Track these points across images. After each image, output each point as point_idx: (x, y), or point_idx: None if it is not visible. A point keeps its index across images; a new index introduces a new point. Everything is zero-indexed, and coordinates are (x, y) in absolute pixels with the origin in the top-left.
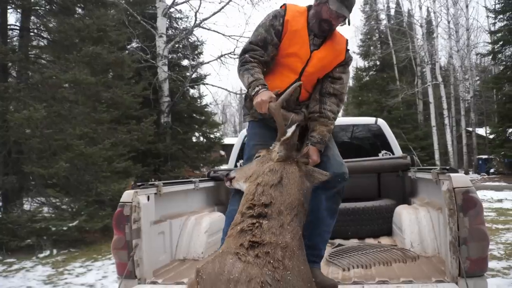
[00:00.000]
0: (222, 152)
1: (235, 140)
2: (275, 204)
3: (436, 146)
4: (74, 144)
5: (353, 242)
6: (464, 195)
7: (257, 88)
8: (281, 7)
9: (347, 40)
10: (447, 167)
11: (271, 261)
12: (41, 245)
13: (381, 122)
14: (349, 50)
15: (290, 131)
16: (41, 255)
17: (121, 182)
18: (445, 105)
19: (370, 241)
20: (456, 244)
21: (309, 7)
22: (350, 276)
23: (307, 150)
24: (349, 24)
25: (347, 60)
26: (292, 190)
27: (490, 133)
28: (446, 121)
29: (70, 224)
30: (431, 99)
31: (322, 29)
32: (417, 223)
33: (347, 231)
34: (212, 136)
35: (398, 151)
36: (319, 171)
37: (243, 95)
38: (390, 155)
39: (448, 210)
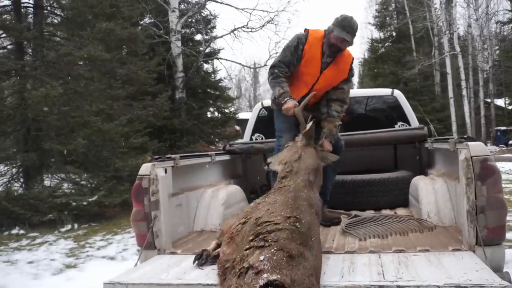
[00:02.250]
0: (237, 127)
1: (250, 115)
2: (292, 171)
3: (453, 118)
4: (91, 121)
5: (369, 213)
6: (482, 164)
7: (286, 99)
8: (304, 30)
9: (353, 59)
10: (465, 136)
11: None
12: (63, 219)
13: (398, 93)
14: (352, 68)
15: (308, 125)
16: (62, 229)
17: (138, 157)
18: (463, 76)
19: (386, 212)
20: (473, 213)
21: (324, 34)
22: (366, 246)
23: (322, 142)
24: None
25: (349, 77)
26: (308, 160)
27: (509, 104)
28: (464, 92)
29: (90, 199)
30: (448, 70)
31: (332, 51)
32: (434, 194)
33: (364, 202)
34: (226, 111)
35: (414, 122)
36: (331, 154)
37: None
38: (406, 126)
39: (466, 179)
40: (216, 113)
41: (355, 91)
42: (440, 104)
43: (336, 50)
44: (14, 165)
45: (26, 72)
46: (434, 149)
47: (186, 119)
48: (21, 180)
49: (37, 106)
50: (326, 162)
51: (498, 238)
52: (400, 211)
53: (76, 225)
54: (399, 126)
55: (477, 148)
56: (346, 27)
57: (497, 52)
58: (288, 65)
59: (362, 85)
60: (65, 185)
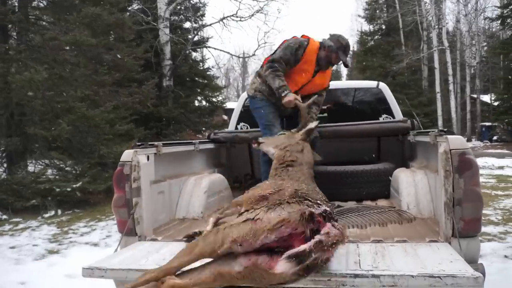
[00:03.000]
0: (225, 117)
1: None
2: (297, 161)
3: (439, 112)
4: (76, 107)
5: (351, 204)
6: (460, 157)
7: (286, 92)
8: (302, 36)
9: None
10: (445, 129)
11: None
12: (46, 205)
13: (383, 86)
14: (331, 75)
15: (312, 124)
16: (46, 215)
17: (124, 144)
18: (450, 71)
19: (367, 203)
20: (450, 204)
21: (320, 46)
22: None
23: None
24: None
25: (328, 86)
26: (308, 156)
27: (495, 100)
28: (451, 87)
29: (74, 186)
30: (436, 64)
31: (325, 64)
32: (414, 186)
33: (346, 193)
34: (214, 100)
35: (399, 115)
36: (314, 154)
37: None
38: (390, 119)
39: (444, 171)
40: (203, 102)
41: (341, 83)
42: (427, 98)
43: (329, 64)
44: None
45: (10, 56)
46: (416, 142)
47: (173, 107)
48: (4, 165)
49: (21, 91)
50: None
51: (473, 230)
52: (381, 203)
53: (59, 211)
54: (383, 119)
55: (456, 141)
56: (346, 51)
57: (485, 48)
58: (287, 63)
59: (350, 77)
60: (49, 171)
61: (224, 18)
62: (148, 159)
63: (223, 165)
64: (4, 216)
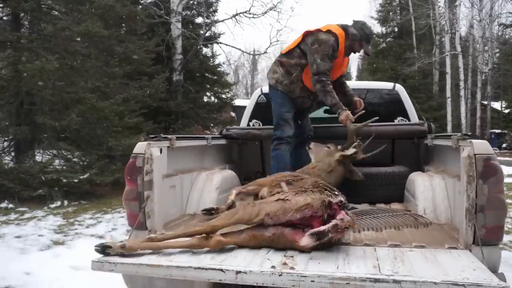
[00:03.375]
0: (233, 114)
1: (246, 102)
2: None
3: (449, 117)
4: (86, 98)
5: (365, 206)
6: (485, 162)
7: (339, 110)
8: (327, 31)
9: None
10: (469, 133)
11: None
12: (53, 196)
13: (399, 87)
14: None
15: (351, 150)
16: (52, 206)
17: (132, 137)
18: (462, 77)
19: (381, 206)
20: (472, 211)
21: (345, 32)
22: (361, 238)
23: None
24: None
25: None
26: (334, 177)
27: (506, 107)
28: (462, 92)
29: (81, 177)
30: (448, 69)
31: (349, 54)
32: (431, 190)
33: (359, 195)
34: (223, 96)
35: (414, 118)
36: (357, 172)
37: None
38: (406, 121)
39: (467, 176)
40: (212, 98)
41: (357, 83)
42: (437, 103)
43: (351, 52)
44: (6, 138)
45: (22, 44)
46: (433, 145)
47: (182, 102)
48: (12, 153)
49: (31, 80)
50: (351, 177)
51: (495, 238)
52: (395, 206)
53: (66, 202)
54: (398, 121)
55: (481, 146)
56: (370, 40)
57: (497, 55)
58: (331, 60)
59: (360, 78)
60: (57, 161)
61: (237, 14)
62: (161, 152)
63: (234, 161)
64: (11, 205)
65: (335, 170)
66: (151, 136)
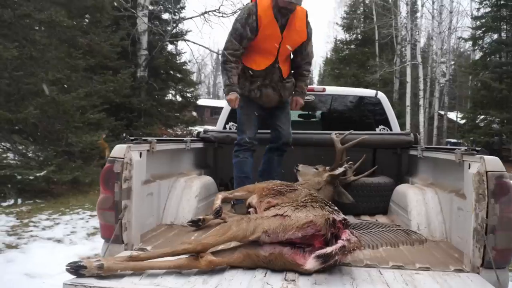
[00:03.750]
0: (194, 113)
1: (209, 102)
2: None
3: (408, 126)
4: (45, 90)
5: (351, 218)
6: (498, 180)
7: (229, 92)
8: (251, 0)
9: (306, 13)
10: (477, 148)
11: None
12: (5, 193)
13: (382, 95)
14: (309, 22)
15: (339, 170)
16: (4, 204)
17: (93, 134)
18: (421, 86)
19: (366, 218)
20: (482, 232)
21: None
22: (360, 258)
23: (295, 98)
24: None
25: (309, 37)
26: (321, 194)
27: (462, 118)
28: (421, 102)
29: (37, 174)
30: (408, 78)
31: (283, 13)
32: (424, 205)
33: (344, 206)
34: (188, 95)
35: (396, 127)
36: (346, 195)
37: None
38: (387, 130)
39: (476, 194)
40: (177, 97)
41: (337, 89)
42: (396, 111)
43: (287, 12)
44: None
45: None
46: (423, 157)
47: (145, 99)
48: None
49: None
50: (340, 199)
51: (504, 261)
52: (380, 219)
53: (19, 200)
54: (380, 130)
55: (493, 163)
56: None
57: (453, 67)
58: (241, 40)
59: (322, 83)
60: (11, 155)
61: (205, 12)
62: (140, 156)
63: (210, 166)
64: None
65: (323, 190)
66: (130, 138)
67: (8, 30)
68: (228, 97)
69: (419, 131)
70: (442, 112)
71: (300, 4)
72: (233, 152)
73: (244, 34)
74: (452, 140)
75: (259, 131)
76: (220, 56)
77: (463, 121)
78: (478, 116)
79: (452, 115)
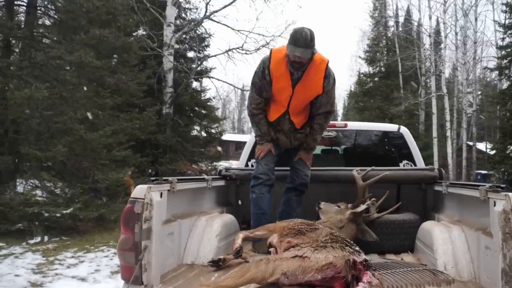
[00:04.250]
0: (219, 148)
1: (233, 137)
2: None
3: (436, 157)
4: (74, 128)
5: (375, 257)
6: None
7: (261, 142)
8: (270, 53)
9: (327, 63)
10: (502, 185)
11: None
12: (32, 230)
13: (404, 130)
14: (329, 74)
15: (362, 207)
16: (31, 241)
17: (119, 171)
18: (448, 117)
19: (391, 257)
20: (511, 273)
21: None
22: None
23: (299, 153)
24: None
25: (325, 90)
26: (345, 233)
27: (491, 149)
28: (448, 133)
29: (64, 211)
30: (434, 110)
31: (296, 67)
32: (451, 243)
33: (368, 244)
34: (213, 131)
35: (420, 162)
36: (370, 233)
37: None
38: (411, 165)
39: (503, 234)
40: (202, 132)
41: (359, 124)
42: (423, 143)
43: (300, 66)
44: None
45: (11, 72)
46: (448, 193)
47: (170, 136)
48: None
49: (18, 108)
50: (363, 237)
51: None
52: (406, 257)
53: (46, 238)
54: (403, 165)
55: None
56: (298, 41)
57: (479, 96)
58: (260, 93)
59: (347, 117)
60: (39, 193)
61: (229, 50)
62: (161, 196)
63: (232, 204)
64: None
65: (346, 228)
66: (151, 178)
67: (40, 71)
68: (260, 147)
69: (447, 163)
70: (471, 143)
71: (308, 57)
72: (250, 187)
73: (262, 87)
74: (483, 172)
75: (277, 168)
76: (247, 108)
77: (492, 152)
78: (508, 147)
79: (481, 146)
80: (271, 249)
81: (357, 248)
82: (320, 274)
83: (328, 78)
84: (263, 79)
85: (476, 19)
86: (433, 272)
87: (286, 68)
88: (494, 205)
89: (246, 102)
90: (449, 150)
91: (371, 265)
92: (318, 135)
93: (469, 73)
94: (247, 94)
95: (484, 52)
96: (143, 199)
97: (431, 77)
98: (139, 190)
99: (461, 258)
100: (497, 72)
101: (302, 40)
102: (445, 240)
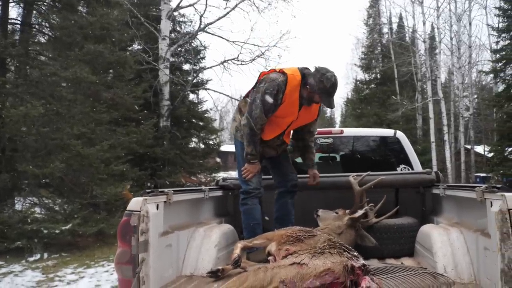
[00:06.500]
0: (218, 159)
1: (232, 148)
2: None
3: (434, 162)
4: (71, 144)
5: (377, 262)
6: None
7: (253, 161)
8: (279, 71)
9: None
10: (498, 186)
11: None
12: (32, 248)
13: (400, 135)
14: (321, 107)
15: (360, 212)
16: (31, 259)
17: (117, 185)
18: (445, 121)
19: (391, 261)
20: (510, 273)
21: (302, 79)
22: None
23: (313, 173)
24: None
25: (318, 117)
26: (342, 238)
27: (489, 151)
28: (446, 137)
29: (63, 227)
30: (431, 114)
31: (310, 102)
32: (450, 245)
33: (368, 250)
34: (210, 142)
35: (417, 166)
36: (369, 238)
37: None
38: (408, 169)
39: (501, 234)
40: (200, 144)
41: (355, 130)
42: (421, 147)
43: (312, 103)
44: None
45: (7, 89)
46: (446, 196)
47: (168, 148)
48: None
49: (15, 125)
50: (363, 242)
51: None
52: (406, 261)
53: (45, 255)
54: (401, 169)
55: None
56: (332, 93)
57: (476, 100)
58: (267, 113)
59: (344, 124)
60: (37, 210)
61: (225, 61)
62: (157, 208)
63: (230, 214)
64: None
65: (345, 234)
66: (147, 190)
67: (36, 88)
68: (250, 167)
69: (446, 167)
70: (469, 146)
71: (333, 107)
72: (240, 200)
73: (272, 108)
74: (481, 175)
75: (265, 176)
76: (244, 120)
77: (491, 155)
78: (506, 149)
79: (480, 149)
80: (270, 258)
81: (356, 253)
82: (318, 280)
83: (321, 109)
84: (275, 101)
85: (470, 24)
86: (433, 275)
87: (297, 95)
88: (491, 205)
89: (248, 120)
90: (447, 154)
91: (370, 270)
92: (314, 149)
93: (464, 77)
94: None
95: (479, 56)
96: (139, 211)
97: (427, 82)
98: (134, 203)
99: (461, 260)
100: (492, 75)
101: (334, 92)
102: (444, 242)
